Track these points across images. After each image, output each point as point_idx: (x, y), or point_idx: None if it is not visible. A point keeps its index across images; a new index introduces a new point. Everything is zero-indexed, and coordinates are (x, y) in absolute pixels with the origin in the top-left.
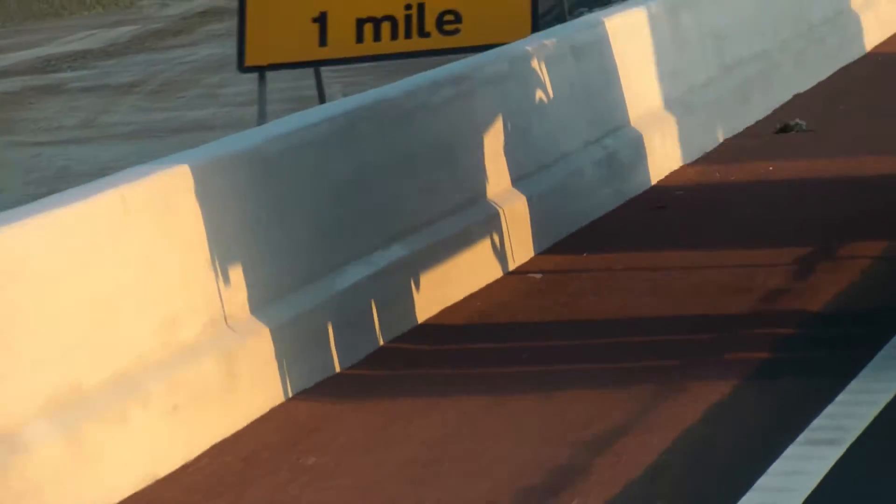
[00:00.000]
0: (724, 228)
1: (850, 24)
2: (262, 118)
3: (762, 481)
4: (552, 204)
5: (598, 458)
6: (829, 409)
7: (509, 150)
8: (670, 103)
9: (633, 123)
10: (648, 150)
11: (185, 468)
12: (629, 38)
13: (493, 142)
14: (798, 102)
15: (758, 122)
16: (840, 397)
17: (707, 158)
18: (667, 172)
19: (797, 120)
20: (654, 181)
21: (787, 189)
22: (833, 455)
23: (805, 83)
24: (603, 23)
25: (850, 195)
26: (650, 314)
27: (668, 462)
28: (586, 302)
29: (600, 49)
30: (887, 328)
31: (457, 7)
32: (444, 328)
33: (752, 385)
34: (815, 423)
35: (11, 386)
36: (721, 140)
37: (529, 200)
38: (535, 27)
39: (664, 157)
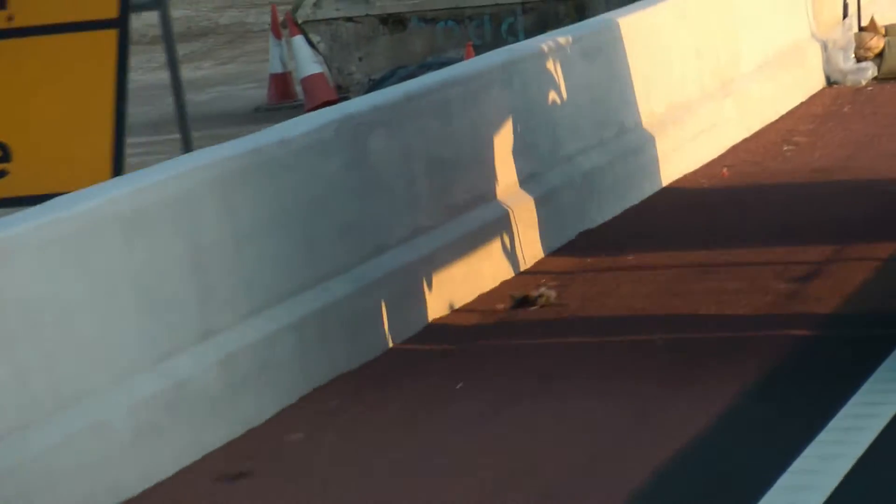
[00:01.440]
0: None
1: (690, 121)
2: None
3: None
4: None
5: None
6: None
7: None
8: (338, 275)
9: (250, 321)
10: (273, 363)
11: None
12: (267, 180)
13: None
14: (565, 255)
15: (499, 287)
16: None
17: (382, 360)
18: (294, 399)
19: (542, 288)
20: (243, 430)
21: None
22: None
23: (600, 215)
24: (194, 171)
25: None
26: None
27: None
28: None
29: (182, 213)
30: None
31: (7, 140)
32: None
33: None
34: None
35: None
36: (429, 321)
37: None
38: (119, 169)
39: (318, 361)
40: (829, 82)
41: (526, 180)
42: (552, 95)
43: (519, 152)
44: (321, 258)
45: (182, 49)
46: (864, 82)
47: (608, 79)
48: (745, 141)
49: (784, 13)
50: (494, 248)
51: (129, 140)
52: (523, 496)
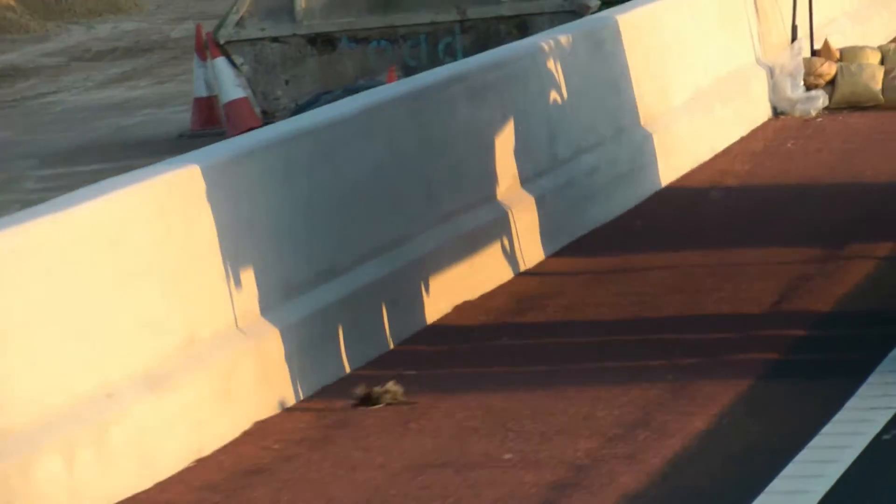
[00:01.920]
0: None
1: (603, 167)
2: None
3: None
4: None
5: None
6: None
7: None
8: (128, 378)
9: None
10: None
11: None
12: (42, 267)
13: None
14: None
15: (346, 379)
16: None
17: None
18: None
19: (391, 384)
20: None
21: None
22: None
23: (482, 286)
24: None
25: None
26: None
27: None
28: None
29: None
30: None
31: None
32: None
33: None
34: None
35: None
36: (249, 426)
37: None
38: None
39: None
40: (776, 113)
41: (391, 247)
42: (428, 145)
43: (383, 214)
44: (108, 360)
45: (123, 66)
46: (813, 113)
47: (500, 122)
48: (670, 186)
49: (724, 36)
50: (343, 332)
51: (36, 173)
52: None
